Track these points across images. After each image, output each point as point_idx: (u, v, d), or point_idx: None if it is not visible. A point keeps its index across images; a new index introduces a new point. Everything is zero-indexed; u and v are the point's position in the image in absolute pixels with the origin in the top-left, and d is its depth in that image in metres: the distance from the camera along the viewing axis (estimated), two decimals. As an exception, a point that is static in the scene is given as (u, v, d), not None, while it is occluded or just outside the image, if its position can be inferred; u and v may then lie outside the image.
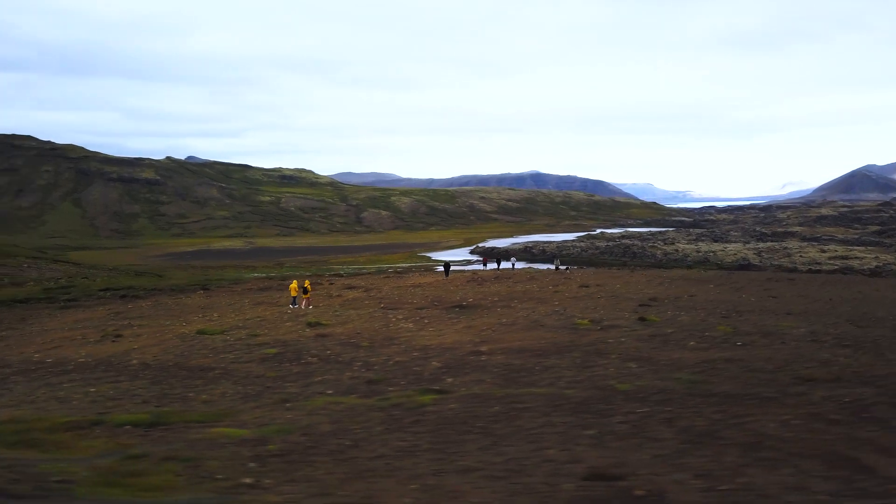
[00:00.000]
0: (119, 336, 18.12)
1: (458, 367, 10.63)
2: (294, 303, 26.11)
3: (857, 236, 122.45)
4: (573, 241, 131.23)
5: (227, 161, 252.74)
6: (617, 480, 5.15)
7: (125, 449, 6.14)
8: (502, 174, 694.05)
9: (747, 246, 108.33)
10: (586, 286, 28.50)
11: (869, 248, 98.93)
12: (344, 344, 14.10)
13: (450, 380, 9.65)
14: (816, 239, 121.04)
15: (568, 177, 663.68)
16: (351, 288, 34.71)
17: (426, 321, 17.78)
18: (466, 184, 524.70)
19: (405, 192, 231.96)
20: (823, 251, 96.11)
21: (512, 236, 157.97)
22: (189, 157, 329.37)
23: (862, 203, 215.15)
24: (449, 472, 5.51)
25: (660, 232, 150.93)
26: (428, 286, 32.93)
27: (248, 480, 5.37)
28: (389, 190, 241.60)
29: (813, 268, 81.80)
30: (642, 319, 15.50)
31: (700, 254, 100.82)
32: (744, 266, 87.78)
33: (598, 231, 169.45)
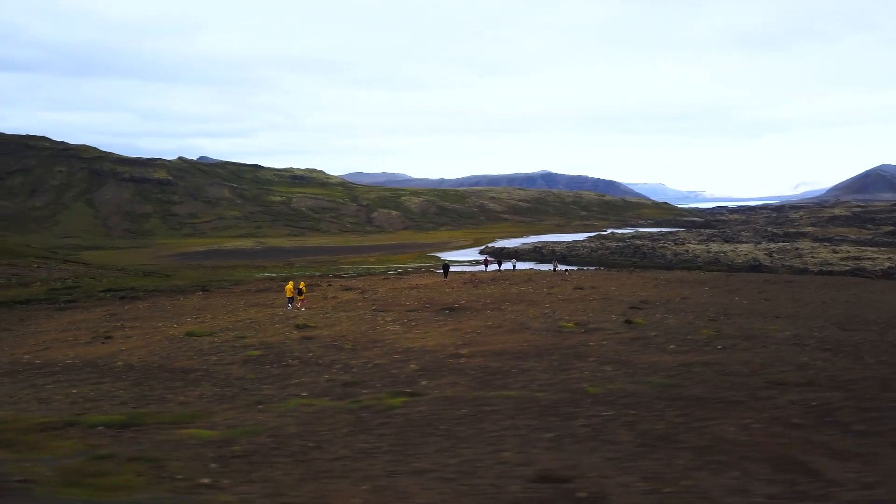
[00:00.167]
0: (109, 338, 18.37)
1: (435, 370, 10.73)
2: (290, 304, 26.31)
3: (870, 237, 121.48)
4: (583, 241, 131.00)
5: (239, 161, 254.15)
6: (564, 482, 5.25)
7: (93, 449, 6.29)
8: (513, 174, 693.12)
9: (758, 246, 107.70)
10: (581, 288, 28.51)
11: (882, 248, 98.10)
12: (327, 346, 14.24)
13: (424, 382, 9.76)
14: (829, 239, 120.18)
15: (579, 177, 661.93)
16: (348, 289, 34.87)
17: (413, 323, 17.90)
18: (477, 184, 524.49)
19: (415, 193, 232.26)
20: (835, 252, 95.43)
21: (522, 236, 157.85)
22: (201, 158, 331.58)
23: (876, 203, 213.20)
24: (403, 473, 5.62)
25: (670, 232, 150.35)
26: (424, 288, 33.04)
27: (206, 481, 5.50)
28: (400, 190, 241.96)
29: (824, 268, 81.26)
30: (628, 322, 15.54)
31: (710, 254, 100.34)
32: (754, 267, 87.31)
33: (609, 231, 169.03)
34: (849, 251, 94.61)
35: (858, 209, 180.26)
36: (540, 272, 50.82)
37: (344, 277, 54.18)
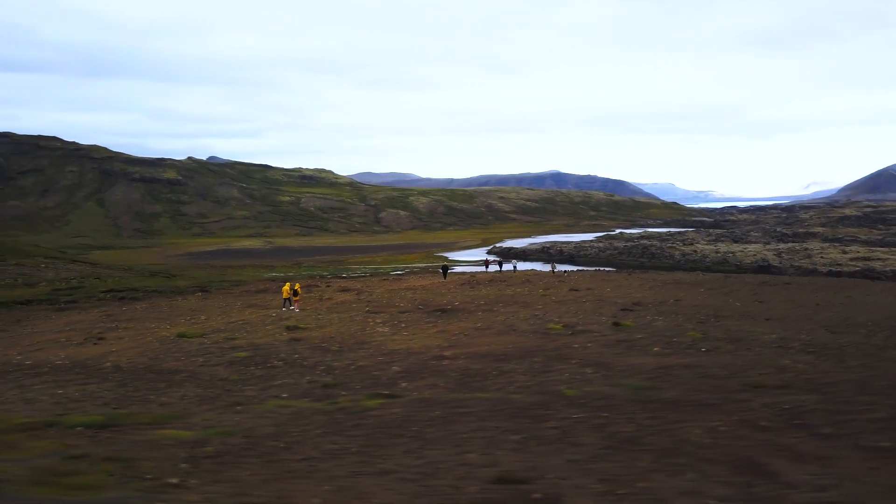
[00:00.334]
0: (101, 339, 18.59)
1: (416, 372, 10.84)
2: (286, 305, 26.48)
3: (880, 237, 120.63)
4: (592, 241, 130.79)
5: (248, 161, 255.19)
6: (522, 484, 5.34)
7: (68, 449, 6.43)
8: (522, 174, 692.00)
9: (767, 247, 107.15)
10: (576, 290, 28.55)
11: (893, 249, 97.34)
12: (314, 348, 14.38)
13: (404, 384, 9.87)
14: (838, 240, 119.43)
15: (588, 176, 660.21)
16: (345, 290, 35.03)
17: (403, 325, 18.01)
18: (486, 184, 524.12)
19: (423, 192, 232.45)
20: (845, 252, 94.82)
21: (530, 236, 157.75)
22: (211, 158, 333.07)
23: (887, 203, 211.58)
24: (366, 474, 5.73)
25: (679, 232, 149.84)
26: (421, 289, 33.15)
27: (174, 480, 5.63)
28: (408, 190, 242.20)
29: (833, 269, 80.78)
30: (616, 325, 15.58)
31: (719, 255, 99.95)
32: (763, 267, 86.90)
33: (618, 231, 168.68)
34: (859, 251, 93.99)
35: (869, 209, 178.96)
36: (539, 273, 50.83)
37: (345, 278, 54.34)
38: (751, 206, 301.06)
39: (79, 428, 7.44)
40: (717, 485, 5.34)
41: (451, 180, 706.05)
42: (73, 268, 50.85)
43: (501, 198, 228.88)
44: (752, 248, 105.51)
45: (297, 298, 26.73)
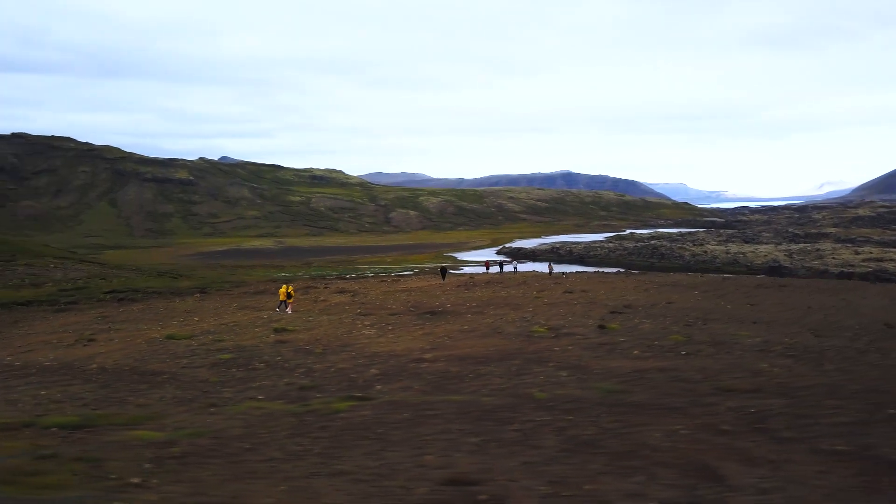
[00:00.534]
0: (92, 340, 18.86)
1: (394, 375, 10.96)
2: (280, 307, 26.68)
3: (894, 238, 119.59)
4: (601, 241, 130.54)
5: (259, 161, 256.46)
6: (471, 485, 5.46)
7: (40, 450, 6.60)
8: (532, 174, 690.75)
9: (779, 247, 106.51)
10: (570, 292, 28.59)
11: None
12: (298, 350, 14.54)
13: (379, 387, 10.00)
14: (851, 240, 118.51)
15: (599, 176, 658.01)
16: (341, 292, 35.22)
17: (390, 327, 18.14)
18: (496, 183, 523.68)
19: (433, 193, 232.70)
20: (857, 253, 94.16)
21: (540, 237, 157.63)
22: (222, 158, 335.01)
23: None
24: (323, 475, 5.87)
25: (690, 233, 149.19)
26: (417, 291, 33.29)
27: (136, 480, 5.78)
28: (418, 190, 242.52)
29: (845, 270, 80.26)
30: (602, 327, 15.63)
31: (729, 255, 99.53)
32: (774, 268, 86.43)
33: (628, 232, 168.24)
34: (871, 252, 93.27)
35: (883, 209, 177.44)
36: (538, 275, 50.72)
37: (346, 279, 54.53)
38: (763, 206, 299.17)
39: (53, 429, 7.63)
40: (664, 487, 5.43)
41: (462, 180, 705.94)
42: (82, 268, 51.35)
43: (511, 198, 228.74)
44: (763, 248, 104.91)
45: (291, 301, 26.93)
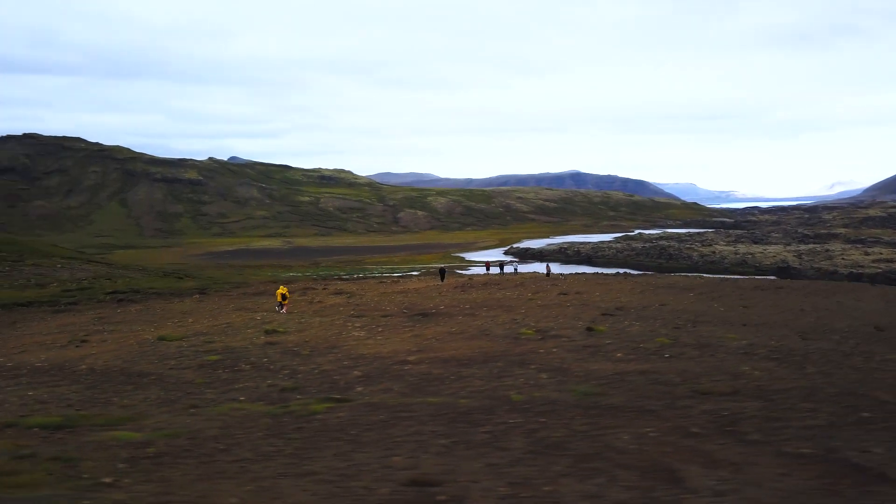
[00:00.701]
0: (85, 341, 19.09)
1: (376, 377, 11.06)
2: (278, 308, 26.89)
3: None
4: (610, 242, 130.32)
5: (268, 161, 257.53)
6: (432, 486, 5.56)
7: (19, 449, 6.74)
8: (541, 174, 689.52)
9: (788, 248, 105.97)
10: (565, 294, 28.62)
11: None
12: (286, 352, 14.68)
13: (359, 389, 10.11)
14: (861, 241, 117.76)
15: (608, 176, 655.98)
16: (338, 293, 35.36)
17: (380, 329, 18.25)
18: (505, 183, 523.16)
19: (441, 193, 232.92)
20: (867, 254, 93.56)
21: (548, 237, 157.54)
22: (231, 158, 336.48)
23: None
24: (291, 475, 5.98)
25: (699, 233, 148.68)
26: (413, 292, 33.37)
27: (108, 480, 5.91)
28: (426, 190, 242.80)
29: (854, 271, 79.83)
30: (590, 330, 15.68)
31: (738, 256, 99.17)
32: (782, 269, 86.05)
33: (637, 232, 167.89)
34: (881, 253, 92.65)
35: (895, 210, 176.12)
36: (537, 276, 50.57)
37: (346, 280, 54.69)
38: (773, 206, 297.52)
39: (35, 429, 7.78)
40: (622, 489, 5.51)
41: (471, 180, 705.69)
42: (88, 268, 51.78)
43: (520, 198, 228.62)
44: (772, 249, 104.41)
45: (286, 302, 27.14)
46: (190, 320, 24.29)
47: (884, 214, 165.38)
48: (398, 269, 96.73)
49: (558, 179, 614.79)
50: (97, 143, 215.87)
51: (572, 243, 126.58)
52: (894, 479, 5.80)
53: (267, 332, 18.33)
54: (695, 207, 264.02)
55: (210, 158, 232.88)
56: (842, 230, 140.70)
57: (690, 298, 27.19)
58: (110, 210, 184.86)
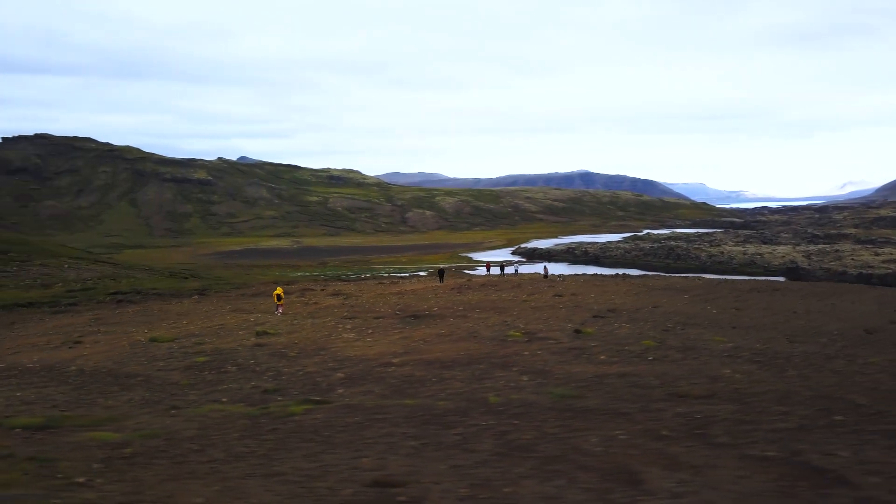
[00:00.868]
0: (78, 343, 19.33)
1: (359, 378, 11.18)
2: (276, 309, 27.07)
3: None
4: (618, 242, 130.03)
5: (277, 161, 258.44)
6: (394, 487, 5.67)
7: (-1, 449, 6.91)
8: (550, 174, 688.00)
9: (797, 248, 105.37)
10: (560, 296, 28.68)
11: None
12: (273, 353, 14.82)
13: (340, 390, 10.23)
14: (871, 241, 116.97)
15: (617, 176, 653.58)
16: (335, 295, 35.50)
17: (370, 331, 18.37)
18: (513, 183, 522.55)
19: (450, 193, 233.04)
20: (877, 254, 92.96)
21: (556, 237, 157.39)
22: (241, 158, 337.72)
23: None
24: (258, 475, 6.11)
25: (707, 233, 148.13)
26: (410, 294, 33.47)
27: (81, 480, 6.05)
28: (434, 190, 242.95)
29: (864, 271, 79.33)
30: (577, 332, 15.73)
31: (746, 256, 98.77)
32: (791, 269, 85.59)
33: (645, 232, 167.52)
34: (892, 254, 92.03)
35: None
36: (535, 278, 50.33)
37: (347, 281, 54.78)
38: (783, 206, 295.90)
39: (18, 429, 7.94)
40: (580, 491, 5.60)
41: (479, 180, 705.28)
42: (95, 268, 52.18)
43: (528, 198, 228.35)
44: (781, 249, 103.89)
45: (281, 303, 27.32)
46: (184, 322, 24.50)
47: (895, 215, 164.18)
48: (405, 269, 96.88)
49: (567, 179, 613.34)
50: (107, 144, 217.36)
51: (580, 243, 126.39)
52: (853, 481, 5.87)
53: (258, 334, 18.49)
54: (704, 207, 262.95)
55: (219, 158, 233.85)
56: (852, 230, 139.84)
57: (685, 300, 27.19)
58: (120, 210, 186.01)
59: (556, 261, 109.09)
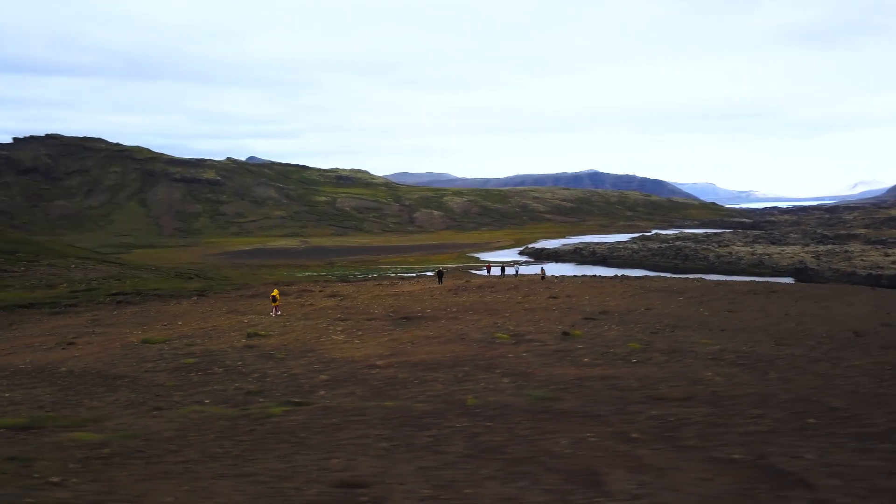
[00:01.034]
0: (72, 344, 19.56)
1: (342, 381, 11.30)
2: (274, 310, 27.28)
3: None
4: (626, 242, 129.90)
5: (286, 162, 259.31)
6: (359, 488, 5.78)
7: (-21, 450, 7.07)
8: (559, 173, 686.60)
9: (806, 249, 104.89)
10: (555, 297, 28.70)
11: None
12: (261, 355, 14.97)
13: (322, 392, 10.35)
14: (882, 241, 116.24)
15: (626, 176, 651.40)
16: (332, 296, 35.62)
17: (360, 333, 18.51)
18: (522, 183, 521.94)
19: (457, 193, 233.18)
20: (887, 255, 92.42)
21: (564, 237, 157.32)
22: (250, 158, 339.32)
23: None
24: (230, 476, 6.23)
25: (716, 233, 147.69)
26: (406, 295, 33.56)
27: (56, 479, 6.19)
28: (442, 190, 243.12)
29: (874, 272, 78.90)
30: (565, 334, 15.79)
31: (755, 256, 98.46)
32: (800, 270, 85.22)
33: (654, 232, 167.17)
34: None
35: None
36: (534, 279, 50.12)
37: (348, 282, 54.90)
38: (793, 206, 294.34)
39: (2, 429, 8.10)
40: (541, 493, 5.69)
41: (487, 180, 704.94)
42: (101, 269, 52.59)
43: (536, 198, 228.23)
44: (789, 250, 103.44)
45: (277, 304, 27.53)
46: (179, 323, 24.71)
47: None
48: (413, 269, 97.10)
49: (576, 179, 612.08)
50: (117, 144, 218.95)
51: (588, 244, 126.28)
52: (813, 483, 5.93)
53: (248, 336, 18.66)
54: (713, 207, 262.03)
55: (228, 158, 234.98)
56: (862, 231, 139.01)
57: (679, 302, 27.18)
58: (130, 210, 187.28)
59: (564, 261, 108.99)
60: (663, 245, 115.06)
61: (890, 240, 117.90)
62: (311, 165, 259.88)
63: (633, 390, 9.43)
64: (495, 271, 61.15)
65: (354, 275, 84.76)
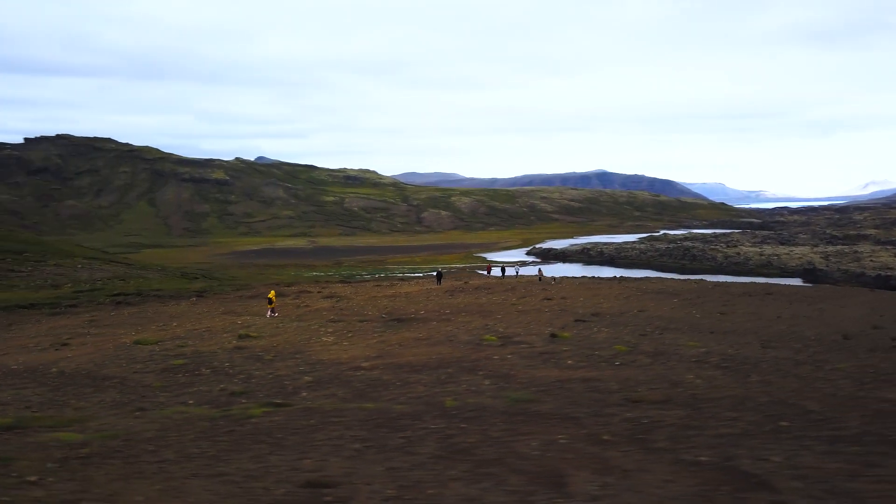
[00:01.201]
0: (65, 345, 19.78)
1: (326, 382, 11.41)
2: (271, 312, 27.48)
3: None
4: (634, 242, 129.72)
5: (294, 162, 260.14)
6: (325, 488, 5.90)
7: (-38, 448, 7.22)
8: (567, 173, 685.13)
9: (815, 249, 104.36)
10: (550, 299, 28.73)
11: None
12: (250, 357, 15.10)
13: (304, 394, 10.47)
14: (892, 242, 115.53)
15: (635, 176, 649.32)
16: (328, 297, 35.74)
17: (350, 335, 18.64)
18: (530, 183, 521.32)
19: (465, 193, 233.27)
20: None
21: (572, 237, 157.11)
22: (259, 158, 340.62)
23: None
24: (202, 476, 6.35)
25: (724, 234, 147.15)
26: (403, 296, 33.68)
27: (33, 479, 6.34)
28: (450, 190, 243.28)
29: (883, 273, 78.48)
30: (553, 336, 15.84)
31: (763, 257, 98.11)
32: (808, 270, 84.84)
33: (662, 232, 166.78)
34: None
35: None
36: (532, 280, 49.95)
37: (349, 283, 55.00)
38: (803, 206, 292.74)
39: (-14, 430, 8.28)
40: (504, 494, 5.79)
41: (495, 180, 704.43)
42: (107, 269, 52.97)
43: (544, 198, 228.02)
44: (798, 250, 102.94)
45: (272, 305, 27.72)
46: (174, 324, 24.90)
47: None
48: (420, 269, 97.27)
49: (584, 179, 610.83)
50: (127, 144, 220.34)
51: (596, 244, 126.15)
52: (775, 486, 6.00)
53: (240, 337, 18.82)
54: (722, 208, 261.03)
55: (237, 158, 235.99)
56: (872, 231, 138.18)
57: (672, 304, 27.16)
58: (139, 210, 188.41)
59: (571, 261, 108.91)
60: (671, 245, 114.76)
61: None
62: (319, 165, 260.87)
63: (612, 392, 9.49)
64: (496, 272, 61.08)
65: (361, 275, 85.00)
